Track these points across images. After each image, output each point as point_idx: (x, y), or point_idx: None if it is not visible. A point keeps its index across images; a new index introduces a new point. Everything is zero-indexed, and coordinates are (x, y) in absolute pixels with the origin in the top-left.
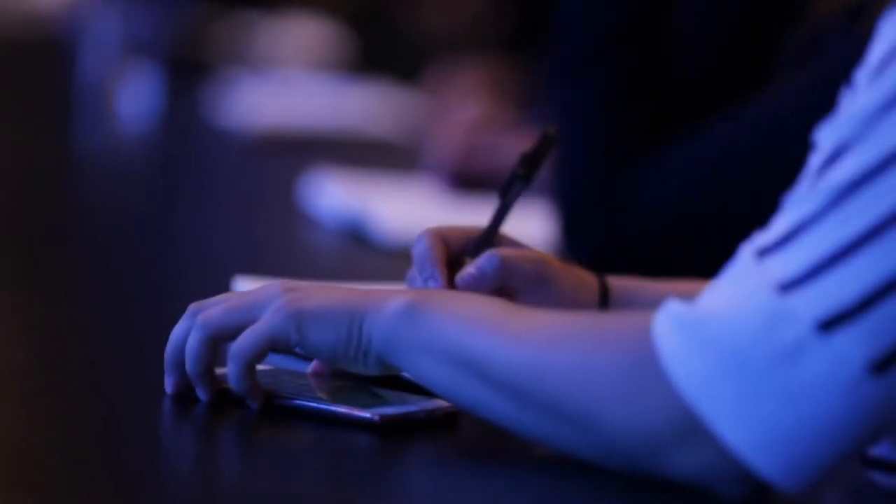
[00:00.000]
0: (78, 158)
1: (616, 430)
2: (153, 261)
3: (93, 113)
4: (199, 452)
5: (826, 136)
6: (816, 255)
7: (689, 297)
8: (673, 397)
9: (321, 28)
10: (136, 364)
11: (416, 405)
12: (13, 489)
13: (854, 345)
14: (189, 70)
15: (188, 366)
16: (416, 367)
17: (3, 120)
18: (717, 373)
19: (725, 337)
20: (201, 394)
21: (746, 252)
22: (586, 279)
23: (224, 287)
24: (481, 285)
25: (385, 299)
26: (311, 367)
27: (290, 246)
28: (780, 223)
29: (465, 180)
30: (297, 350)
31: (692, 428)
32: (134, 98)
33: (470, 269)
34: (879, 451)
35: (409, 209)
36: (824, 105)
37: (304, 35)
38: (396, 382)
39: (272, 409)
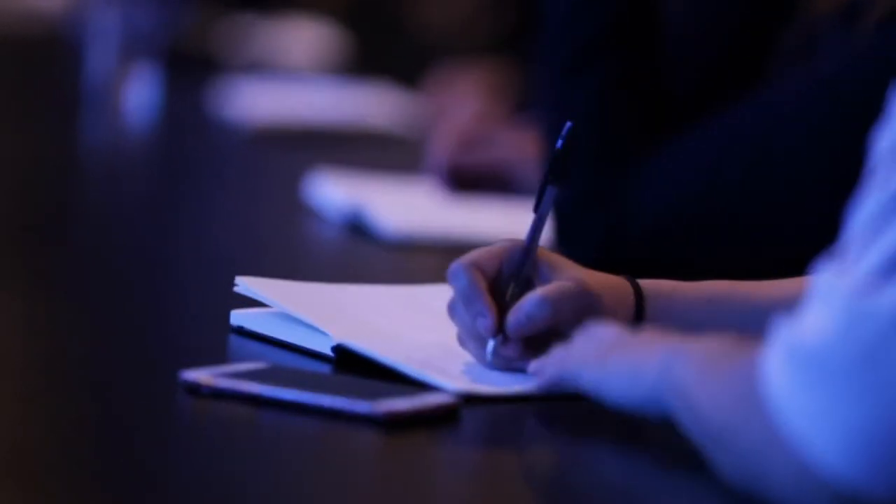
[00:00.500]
0: (81, 155)
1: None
2: (155, 257)
3: (96, 110)
4: (199, 451)
5: (887, 138)
6: None
7: (727, 301)
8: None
9: (320, 29)
10: (136, 364)
11: (418, 399)
12: (13, 489)
13: None
14: (191, 67)
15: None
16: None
17: (5, 117)
18: None
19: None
20: None
21: (843, 286)
22: (620, 291)
23: (225, 287)
24: (531, 331)
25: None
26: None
27: (292, 241)
28: (872, 250)
29: (464, 177)
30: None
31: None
32: (137, 95)
33: (521, 315)
34: None
35: (410, 204)
36: (821, 104)
37: (303, 37)
38: (396, 376)
39: (271, 405)
